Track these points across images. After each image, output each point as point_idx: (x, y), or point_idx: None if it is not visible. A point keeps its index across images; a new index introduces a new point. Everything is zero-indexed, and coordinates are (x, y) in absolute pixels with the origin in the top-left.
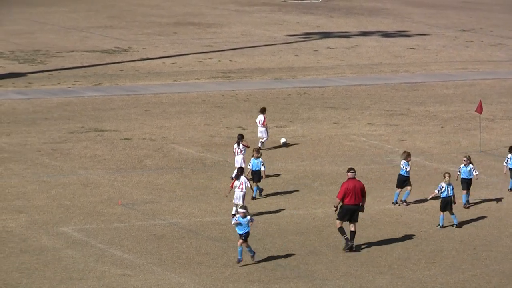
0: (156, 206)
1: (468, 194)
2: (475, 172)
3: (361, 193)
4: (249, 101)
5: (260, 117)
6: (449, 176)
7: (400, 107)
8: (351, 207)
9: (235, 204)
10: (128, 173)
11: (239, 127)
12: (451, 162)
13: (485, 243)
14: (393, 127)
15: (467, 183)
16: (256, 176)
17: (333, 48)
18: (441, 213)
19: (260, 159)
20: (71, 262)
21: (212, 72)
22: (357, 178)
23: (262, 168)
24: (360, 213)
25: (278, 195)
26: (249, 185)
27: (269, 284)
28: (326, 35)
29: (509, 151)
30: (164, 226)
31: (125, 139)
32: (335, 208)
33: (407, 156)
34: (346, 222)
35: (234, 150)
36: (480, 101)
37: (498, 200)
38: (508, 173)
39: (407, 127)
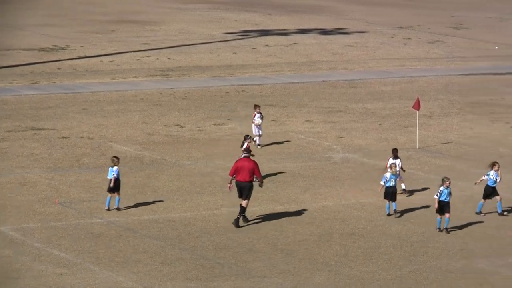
0: (94, 205)
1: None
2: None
3: (251, 172)
4: (187, 99)
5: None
6: (449, 182)
7: (338, 104)
8: (240, 183)
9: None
10: (65, 172)
11: (177, 125)
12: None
13: (422, 239)
14: (331, 124)
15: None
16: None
17: (271, 46)
18: (438, 216)
19: (114, 168)
20: (7, 262)
21: (150, 70)
22: (249, 158)
23: (112, 177)
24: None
25: (216, 193)
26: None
27: (207, 282)
28: (264, 33)
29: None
30: (101, 224)
31: (63, 137)
32: (229, 185)
33: (493, 165)
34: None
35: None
36: (418, 98)
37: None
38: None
39: (345, 124)
